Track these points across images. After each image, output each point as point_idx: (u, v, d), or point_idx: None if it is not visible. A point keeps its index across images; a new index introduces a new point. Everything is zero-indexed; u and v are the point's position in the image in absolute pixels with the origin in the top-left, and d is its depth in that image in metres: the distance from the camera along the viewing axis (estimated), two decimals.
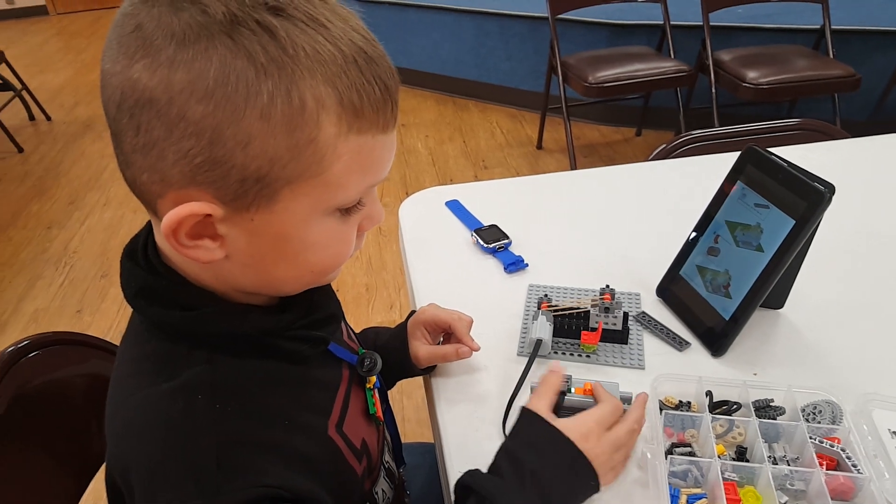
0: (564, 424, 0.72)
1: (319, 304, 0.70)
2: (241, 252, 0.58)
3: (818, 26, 3.22)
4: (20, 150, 4.14)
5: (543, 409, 0.74)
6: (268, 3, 0.50)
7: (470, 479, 0.69)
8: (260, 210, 0.55)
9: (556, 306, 0.96)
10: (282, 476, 0.60)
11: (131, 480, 0.57)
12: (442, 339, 0.94)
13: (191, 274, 0.62)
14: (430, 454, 1.09)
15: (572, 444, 0.70)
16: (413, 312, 0.96)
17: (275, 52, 0.50)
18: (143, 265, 0.63)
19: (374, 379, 0.79)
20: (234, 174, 0.52)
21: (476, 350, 0.89)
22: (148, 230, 0.64)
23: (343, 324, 0.82)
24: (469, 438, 0.82)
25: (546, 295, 1.03)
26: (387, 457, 0.86)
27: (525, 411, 0.75)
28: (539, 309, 0.96)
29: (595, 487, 0.71)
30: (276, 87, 0.50)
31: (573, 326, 0.95)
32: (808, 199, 0.85)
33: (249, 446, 0.59)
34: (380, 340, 0.95)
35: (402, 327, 0.94)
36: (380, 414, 0.81)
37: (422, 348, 0.91)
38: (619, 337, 0.95)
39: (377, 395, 0.81)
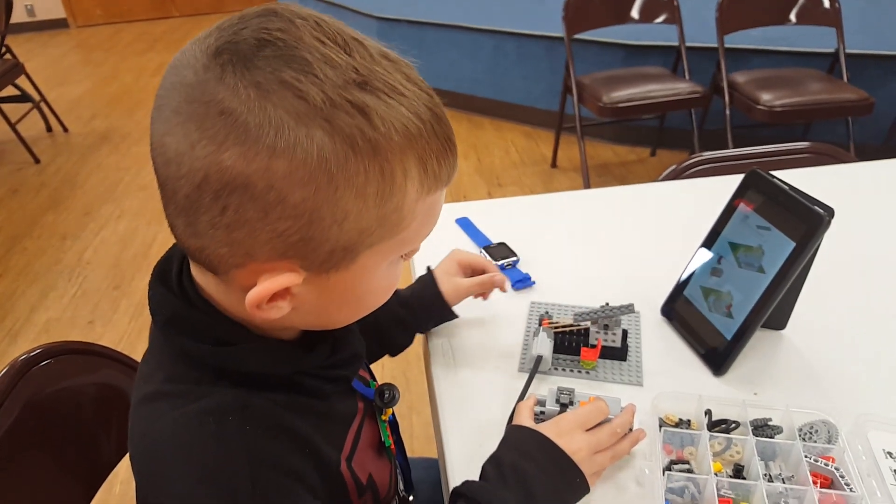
0: (541, 425, 0.77)
1: (344, 340, 0.69)
2: (308, 304, 0.59)
3: (833, 50, 3.23)
4: (37, 160, 4.18)
5: (524, 420, 0.79)
6: (355, 79, 0.50)
7: (461, 486, 0.73)
8: (339, 271, 0.57)
9: (556, 323, 0.98)
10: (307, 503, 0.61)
11: None
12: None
13: (227, 307, 0.61)
14: (434, 469, 1.10)
15: (547, 438, 0.74)
16: (429, 268, 1.03)
17: (370, 133, 0.50)
18: (176, 292, 0.62)
19: (390, 411, 0.80)
20: (325, 247, 0.53)
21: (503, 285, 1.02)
22: (183, 256, 0.64)
23: None
24: (472, 453, 0.83)
25: (547, 312, 1.05)
26: (401, 486, 0.87)
27: (508, 426, 0.80)
28: (540, 326, 0.98)
29: (582, 485, 0.73)
30: (371, 166, 0.51)
31: (573, 343, 0.96)
32: (807, 221, 0.86)
33: (279, 470, 0.59)
34: (404, 293, 1.00)
35: (428, 277, 1.00)
36: (393, 448, 0.81)
37: (462, 282, 1.00)
38: (618, 354, 0.96)
39: (390, 427, 0.81)
